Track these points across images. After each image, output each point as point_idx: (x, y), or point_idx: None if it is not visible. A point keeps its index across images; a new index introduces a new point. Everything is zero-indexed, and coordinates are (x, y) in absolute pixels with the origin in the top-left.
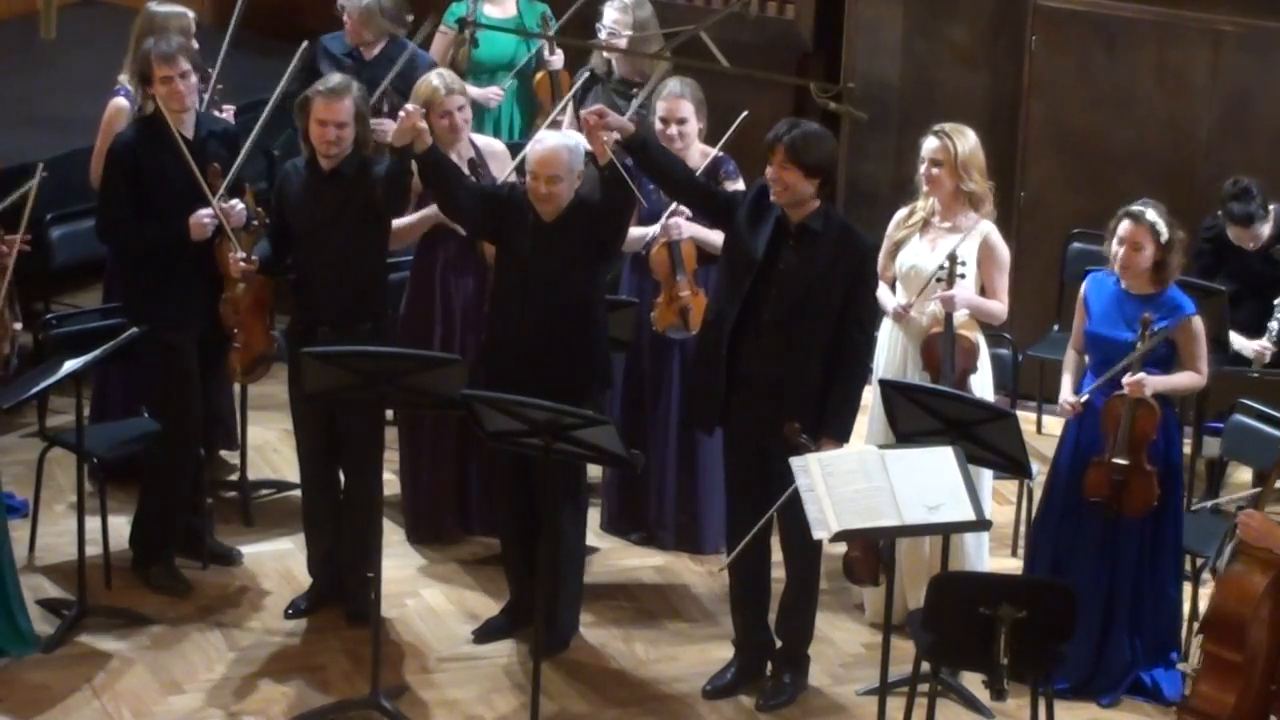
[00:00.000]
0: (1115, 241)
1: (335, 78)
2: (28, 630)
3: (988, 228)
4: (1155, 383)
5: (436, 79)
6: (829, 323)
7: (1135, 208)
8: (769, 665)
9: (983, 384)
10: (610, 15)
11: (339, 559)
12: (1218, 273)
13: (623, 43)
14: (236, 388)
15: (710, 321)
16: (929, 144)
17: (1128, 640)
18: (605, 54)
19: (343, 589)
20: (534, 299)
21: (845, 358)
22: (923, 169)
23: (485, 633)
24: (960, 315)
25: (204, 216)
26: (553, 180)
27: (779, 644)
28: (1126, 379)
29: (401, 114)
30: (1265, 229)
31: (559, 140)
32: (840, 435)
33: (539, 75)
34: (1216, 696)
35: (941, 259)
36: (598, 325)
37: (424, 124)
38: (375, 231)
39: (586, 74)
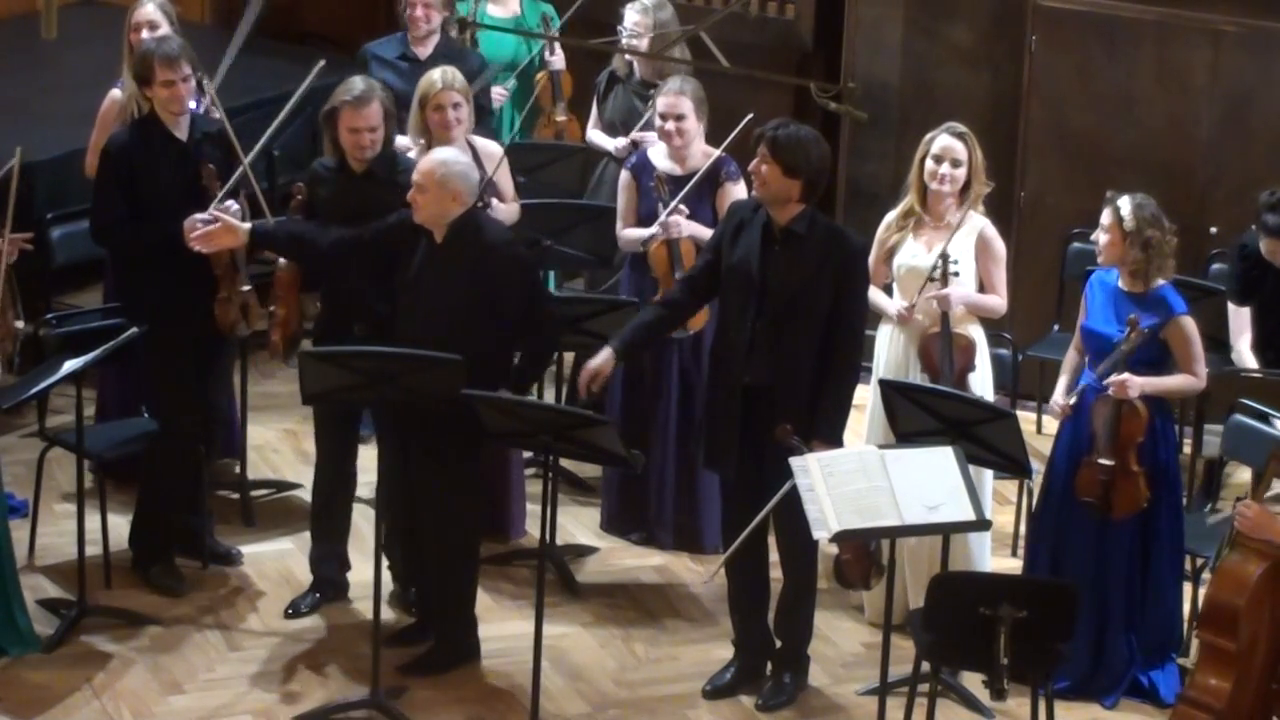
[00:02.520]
0: None
1: (358, 84)
2: (28, 630)
3: (981, 223)
4: (1142, 384)
5: (437, 74)
6: (818, 326)
7: (1114, 194)
8: (769, 665)
9: (983, 383)
10: (631, 17)
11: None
12: (1255, 294)
13: (645, 43)
14: (237, 389)
15: (721, 357)
16: (946, 142)
17: (1125, 640)
18: (626, 55)
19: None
20: (419, 322)
21: (836, 360)
22: (938, 167)
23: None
24: (956, 311)
25: (198, 221)
26: (418, 188)
27: (778, 644)
28: (1111, 379)
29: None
30: None
31: (442, 155)
32: (831, 438)
33: (539, 75)
34: (1213, 686)
35: (935, 257)
36: (482, 373)
37: (226, 231)
38: None
39: (607, 75)
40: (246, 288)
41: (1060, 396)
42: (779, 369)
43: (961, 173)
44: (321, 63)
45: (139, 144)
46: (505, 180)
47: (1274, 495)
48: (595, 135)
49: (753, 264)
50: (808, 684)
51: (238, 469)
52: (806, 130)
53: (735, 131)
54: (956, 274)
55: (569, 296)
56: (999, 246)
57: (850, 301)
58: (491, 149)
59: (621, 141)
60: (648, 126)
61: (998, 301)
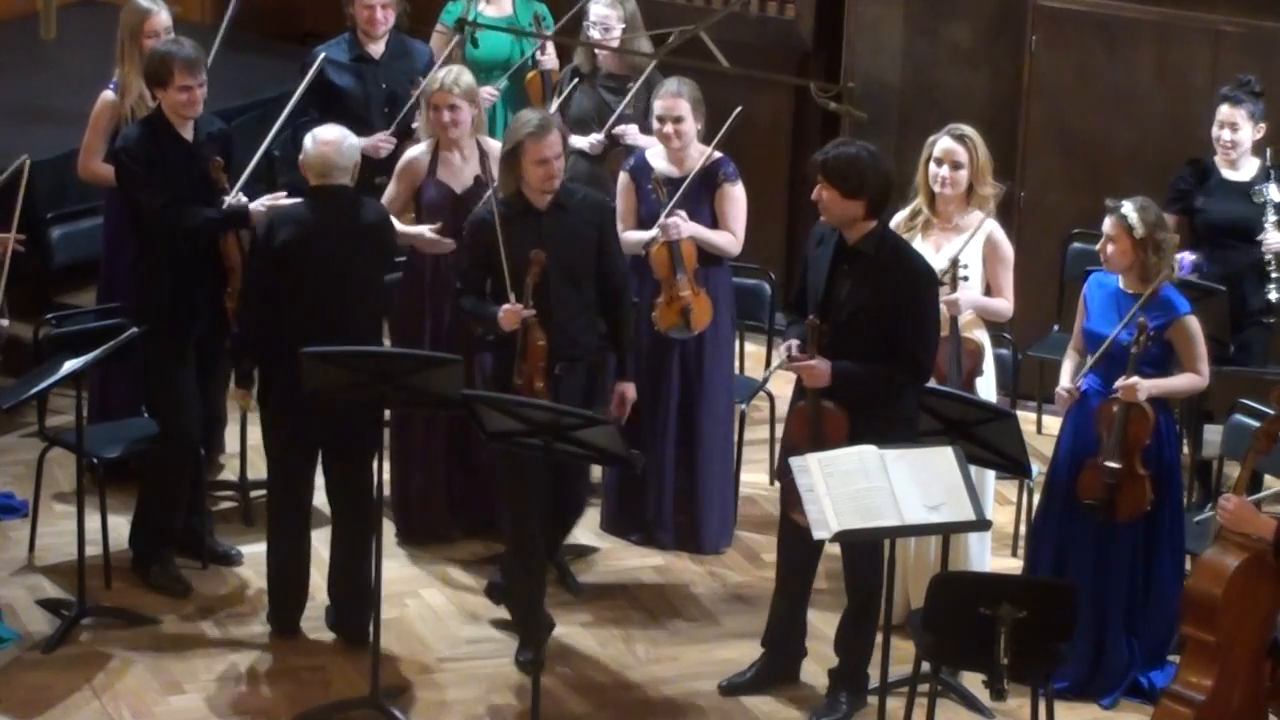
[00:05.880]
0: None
1: (533, 116)
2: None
3: (991, 225)
4: (1150, 386)
5: (441, 74)
6: (878, 348)
7: (1114, 202)
8: (800, 669)
9: (987, 386)
10: (598, 11)
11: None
12: (1192, 197)
13: (616, 34)
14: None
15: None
16: (947, 145)
17: (1124, 641)
18: (596, 50)
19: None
20: None
21: (889, 367)
22: (939, 170)
23: None
24: (964, 316)
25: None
26: None
27: (837, 661)
28: (1120, 382)
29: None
30: (1245, 131)
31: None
32: (839, 376)
33: (530, 75)
34: (1196, 680)
35: (945, 261)
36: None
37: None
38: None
39: (570, 71)
40: None
41: (1066, 381)
42: (832, 389)
43: (963, 175)
44: (321, 55)
45: (149, 142)
46: None
47: (1274, 494)
48: None
49: (821, 281)
50: (865, 704)
51: (237, 468)
52: (860, 148)
53: (724, 128)
54: (965, 278)
55: None
56: (1007, 250)
57: (908, 327)
58: (496, 147)
59: (596, 137)
60: (620, 120)
61: (1005, 305)
